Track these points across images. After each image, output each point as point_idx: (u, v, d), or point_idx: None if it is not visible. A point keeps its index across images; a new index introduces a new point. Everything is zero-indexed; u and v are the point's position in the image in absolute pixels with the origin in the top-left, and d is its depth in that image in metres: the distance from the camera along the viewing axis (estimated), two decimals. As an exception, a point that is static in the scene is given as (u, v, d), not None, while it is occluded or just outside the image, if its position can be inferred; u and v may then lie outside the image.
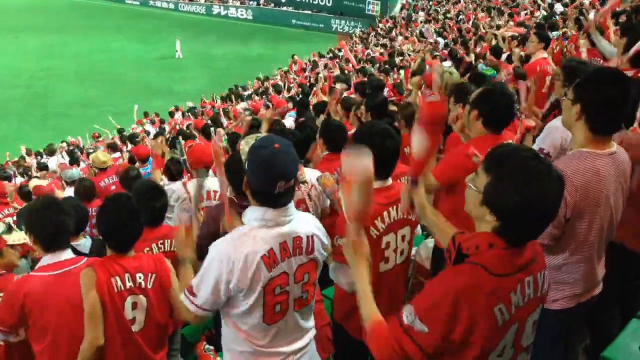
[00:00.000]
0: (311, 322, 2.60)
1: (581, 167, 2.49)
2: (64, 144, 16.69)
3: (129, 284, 2.91)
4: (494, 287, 1.80)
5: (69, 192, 6.80)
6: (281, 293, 2.34)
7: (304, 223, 2.40)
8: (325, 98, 8.25)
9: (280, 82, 19.23)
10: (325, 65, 19.42)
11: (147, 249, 3.62)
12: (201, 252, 3.88)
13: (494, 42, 10.37)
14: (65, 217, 3.11)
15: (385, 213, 2.82)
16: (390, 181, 2.90)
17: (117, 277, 2.87)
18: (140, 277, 2.94)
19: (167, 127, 17.04)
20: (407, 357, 1.85)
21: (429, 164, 2.50)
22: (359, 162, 2.00)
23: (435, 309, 1.80)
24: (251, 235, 2.25)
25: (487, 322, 1.80)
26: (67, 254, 3.13)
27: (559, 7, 16.41)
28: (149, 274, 2.99)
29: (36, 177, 11.64)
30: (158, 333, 3.10)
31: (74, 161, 13.45)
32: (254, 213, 2.30)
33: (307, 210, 3.58)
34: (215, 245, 2.29)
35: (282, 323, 2.40)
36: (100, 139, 17.55)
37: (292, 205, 2.33)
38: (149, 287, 2.98)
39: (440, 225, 2.46)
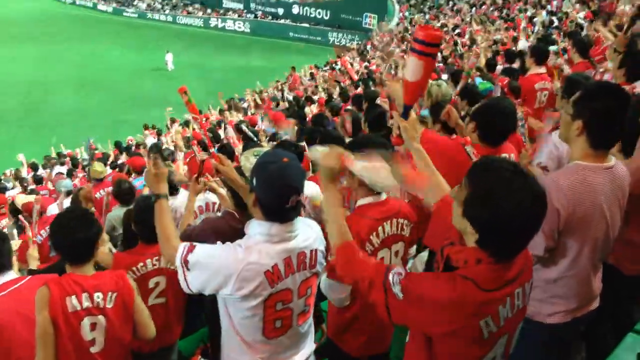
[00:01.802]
0: (311, 337, 2.60)
1: (576, 180, 2.48)
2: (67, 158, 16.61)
3: (86, 304, 2.81)
4: (483, 302, 1.79)
5: (66, 202, 6.77)
6: (284, 309, 2.32)
7: (307, 237, 2.37)
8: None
9: (277, 94, 19.26)
10: (322, 77, 19.51)
11: (141, 264, 3.57)
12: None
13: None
14: None
15: (380, 228, 2.80)
16: (384, 196, 2.88)
17: (74, 296, 2.79)
18: (98, 297, 2.85)
19: (164, 139, 17.01)
20: (368, 300, 1.95)
21: (423, 91, 2.49)
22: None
23: (418, 300, 1.83)
24: (256, 249, 2.22)
25: (470, 333, 1.81)
26: (10, 275, 3.14)
27: (555, 22, 16.54)
28: (109, 293, 2.90)
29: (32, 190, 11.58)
30: (120, 352, 3.02)
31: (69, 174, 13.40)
32: (259, 227, 2.27)
33: None
34: (224, 247, 2.27)
35: (283, 339, 2.39)
36: (97, 152, 17.50)
37: (298, 220, 2.32)
38: (109, 306, 2.88)
39: (428, 162, 2.48)
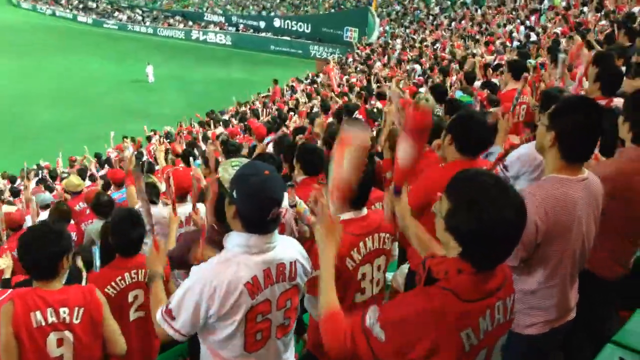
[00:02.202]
0: (291, 351, 2.57)
1: (553, 192, 2.52)
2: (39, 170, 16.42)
3: (51, 319, 2.79)
4: (463, 313, 1.80)
5: (43, 216, 6.69)
6: (263, 320, 2.31)
7: (287, 249, 2.37)
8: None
9: (258, 107, 19.26)
10: (304, 91, 19.58)
11: (119, 277, 3.52)
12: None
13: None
14: None
15: (361, 244, 2.78)
16: (365, 211, 2.86)
17: (38, 312, 2.76)
18: (64, 312, 2.83)
19: (144, 152, 16.90)
20: (356, 355, 1.91)
21: (411, 173, 2.51)
22: (358, 128, 2.06)
23: (399, 325, 1.82)
24: (235, 262, 2.21)
25: (453, 346, 1.80)
26: None
27: (533, 36, 16.80)
28: (76, 308, 2.87)
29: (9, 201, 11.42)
30: None
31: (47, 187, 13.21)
32: (237, 239, 2.27)
33: (282, 232, 3.55)
34: (198, 269, 2.25)
35: (263, 351, 2.37)
36: (76, 164, 17.32)
37: (276, 231, 2.32)
38: (76, 322, 2.86)
39: (422, 237, 2.46)
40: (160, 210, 4.77)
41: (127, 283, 3.55)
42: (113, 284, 3.49)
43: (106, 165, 13.94)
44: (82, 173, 11.91)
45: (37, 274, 2.91)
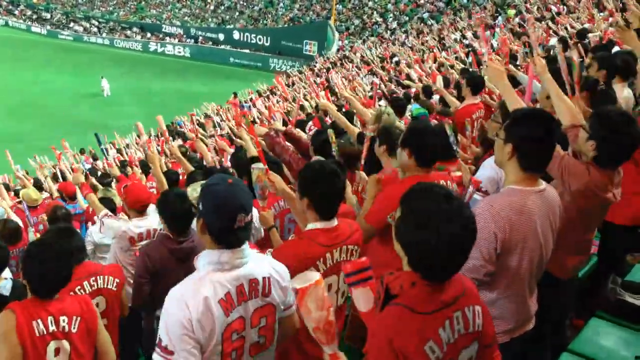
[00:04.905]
0: None
1: (511, 203, 2.56)
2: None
3: (52, 328, 2.79)
4: (420, 326, 1.81)
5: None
6: (238, 339, 2.25)
7: (259, 264, 2.33)
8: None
9: (215, 119, 19.09)
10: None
11: (79, 287, 3.44)
12: (141, 293, 3.78)
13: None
14: None
15: (327, 255, 2.73)
16: (335, 222, 2.80)
17: (39, 321, 2.76)
18: (64, 321, 2.83)
19: (100, 164, 16.56)
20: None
21: None
22: (305, 278, 2.14)
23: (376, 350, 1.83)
24: (207, 280, 2.16)
25: None
26: None
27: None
28: (74, 317, 2.87)
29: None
30: None
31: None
32: (208, 257, 2.21)
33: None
34: (170, 294, 2.16)
35: None
36: (28, 177, 16.82)
37: (247, 246, 2.28)
38: (74, 331, 2.86)
39: None
40: (119, 224, 4.70)
41: (87, 292, 3.48)
42: (72, 294, 3.40)
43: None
44: (39, 186, 11.59)
45: (48, 294, 2.87)
